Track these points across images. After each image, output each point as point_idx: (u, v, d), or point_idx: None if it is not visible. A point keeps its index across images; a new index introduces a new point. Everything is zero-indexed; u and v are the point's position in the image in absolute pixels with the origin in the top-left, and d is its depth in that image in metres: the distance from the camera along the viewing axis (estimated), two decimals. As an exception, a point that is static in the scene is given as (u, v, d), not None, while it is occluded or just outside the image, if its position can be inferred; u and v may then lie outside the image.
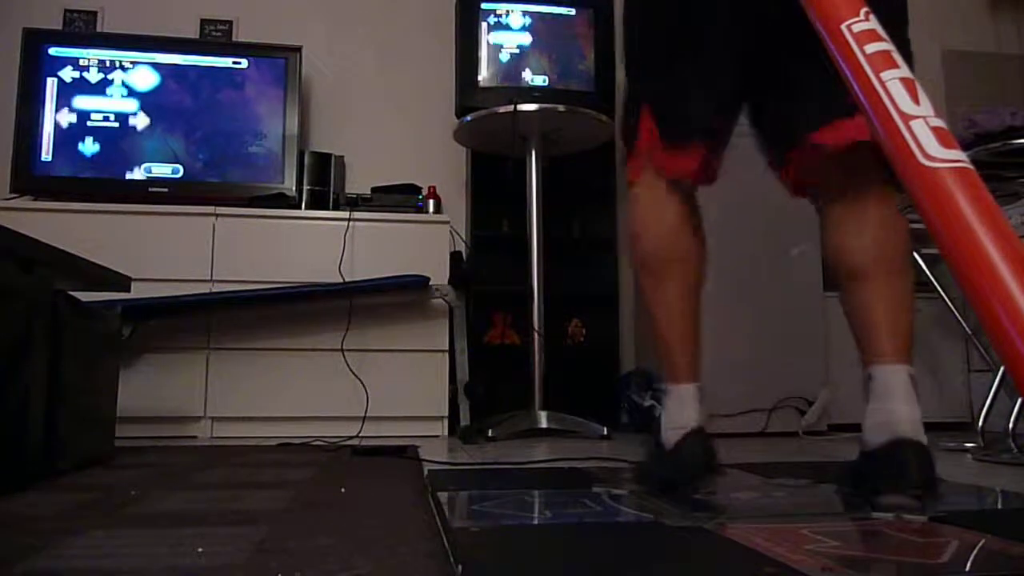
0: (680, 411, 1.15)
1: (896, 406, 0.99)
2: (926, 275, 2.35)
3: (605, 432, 2.38)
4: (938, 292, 2.35)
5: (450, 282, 2.56)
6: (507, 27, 2.75)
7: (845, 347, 3.07)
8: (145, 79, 2.77)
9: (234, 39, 3.10)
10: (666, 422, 1.16)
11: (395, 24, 3.27)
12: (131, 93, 2.75)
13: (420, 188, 2.89)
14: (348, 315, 2.47)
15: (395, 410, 2.51)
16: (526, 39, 2.75)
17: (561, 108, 2.54)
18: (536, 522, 1.00)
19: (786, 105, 1.14)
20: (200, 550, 0.81)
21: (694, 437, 1.12)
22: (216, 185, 2.74)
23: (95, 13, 3.06)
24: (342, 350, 2.45)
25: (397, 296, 2.55)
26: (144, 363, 2.42)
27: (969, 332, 2.44)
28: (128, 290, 1.86)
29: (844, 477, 1.16)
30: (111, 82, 2.74)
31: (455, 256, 2.76)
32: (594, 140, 2.79)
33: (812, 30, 0.82)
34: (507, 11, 2.76)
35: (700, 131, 1.15)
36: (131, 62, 2.77)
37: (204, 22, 3.12)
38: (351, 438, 2.29)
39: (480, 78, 2.72)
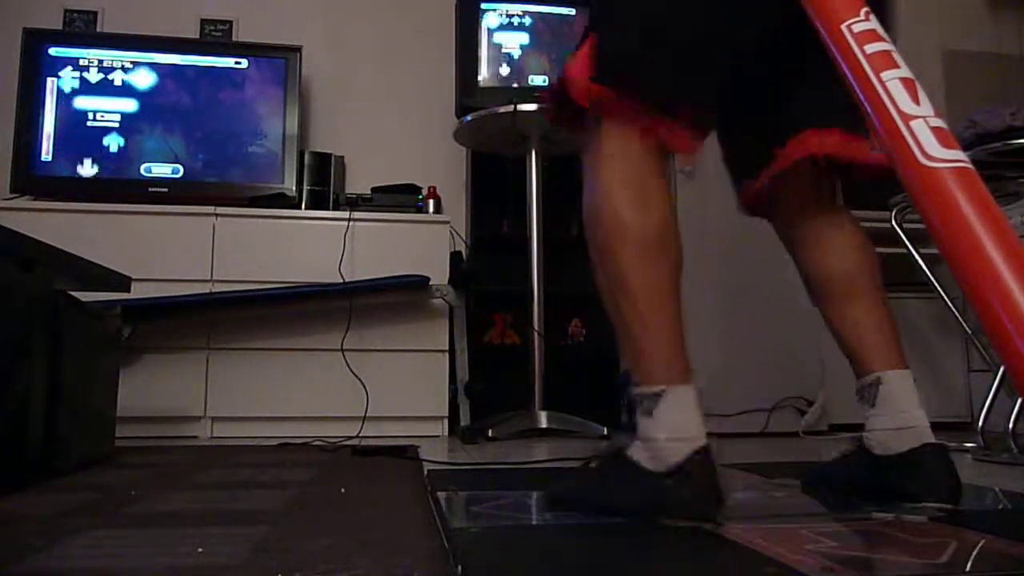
0: (682, 419, 0.94)
1: (918, 412, 1.04)
2: (926, 275, 2.35)
3: (605, 432, 2.38)
4: (938, 292, 2.34)
5: (450, 282, 2.56)
6: (507, 27, 2.75)
7: (845, 347, 3.02)
8: (145, 79, 2.77)
9: (234, 39, 3.10)
10: (658, 432, 0.94)
11: (395, 24, 3.27)
12: (131, 93, 2.75)
13: (420, 188, 2.89)
14: (348, 315, 2.47)
15: (395, 410, 2.51)
16: (526, 39, 2.75)
17: (561, 108, 2.53)
18: (536, 523, 1.00)
19: (790, 105, 1.14)
20: (200, 550, 0.81)
21: (705, 456, 0.93)
22: (216, 185, 2.74)
23: (95, 13, 3.07)
24: (342, 350, 2.45)
25: (397, 296, 2.55)
26: (144, 363, 2.42)
27: (969, 332, 2.44)
28: (128, 290, 1.86)
29: (826, 478, 1.20)
30: (111, 82, 2.74)
31: (455, 256, 2.76)
32: (594, 140, 2.78)
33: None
34: (507, 11, 2.76)
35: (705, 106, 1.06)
36: (131, 62, 2.77)
37: (204, 22, 3.12)
38: (351, 438, 2.29)
39: (480, 78, 2.72)
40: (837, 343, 1.17)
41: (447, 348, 2.59)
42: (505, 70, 2.73)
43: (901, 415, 1.04)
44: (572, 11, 2.80)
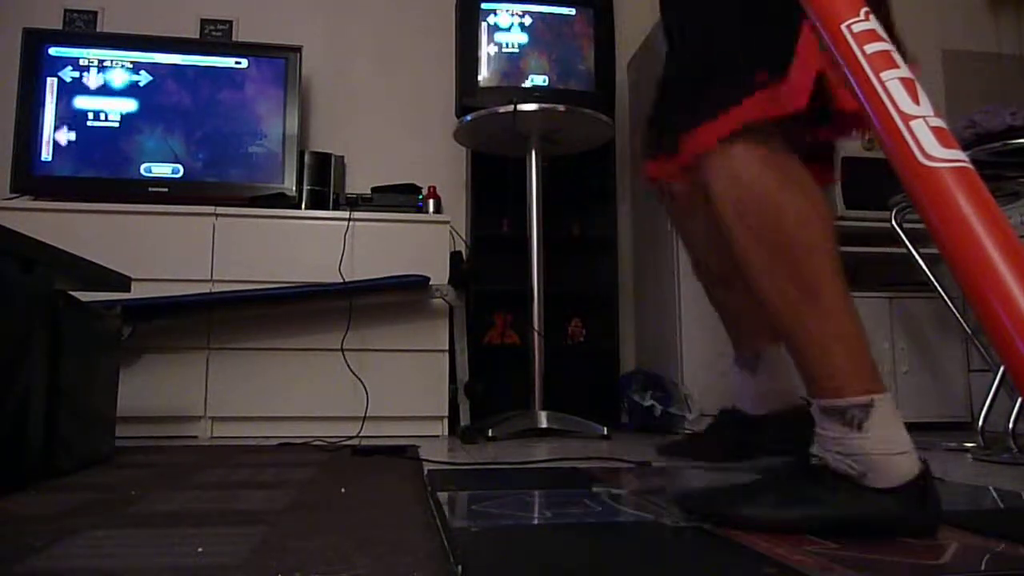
0: (897, 430, 0.90)
1: (793, 380, 1.14)
2: (926, 275, 2.35)
3: (605, 432, 2.38)
4: (938, 292, 2.35)
5: (450, 282, 2.56)
6: (507, 27, 2.75)
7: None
8: (145, 79, 2.77)
9: (234, 39, 3.10)
10: (875, 445, 0.89)
11: (395, 24, 3.28)
12: (131, 93, 2.75)
13: (420, 188, 2.89)
14: (348, 315, 2.47)
15: (395, 410, 2.51)
16: (526, 39, 2.75)
17: (561, 108, 2.54)
18: (536, 522, 1.00)
19: None
20: (200, 550, 0.81)
21: (929, 469, 0.90)
22: (216, 185, 2.74)
23: (95, 13, 3.07)
24: (342, 350, 2.45)
25: (397, 296, 2.55)
26: (144, 363, 2.42)
27: (969, 332, 2.44)
28: (128, 290, 1.87)
29: (684, 448, 1.38)
30: (111, 82, 2.75)
31: (455, 256, 2.76)
32: (594, 140, 2.79)
33: None
34: (507, 11, 2.76)
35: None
36: (131, 62, 2.77)
37: (204, 22, 3.12)
38: (351, 438, 2.29)
39: (480, 78, 2.72)
40: (721, 319, 1.33)
41: (447, 348, 2.59)
42: (505, 70, 2.73)
43: (776, 381, 1.20)
44: (572, 11, 2.80)
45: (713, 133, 1.00)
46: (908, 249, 2.35)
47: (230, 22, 3.14)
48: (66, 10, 3.05)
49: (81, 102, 2.72)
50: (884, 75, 0.70)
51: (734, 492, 0.97)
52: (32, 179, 2.65)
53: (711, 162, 1.01)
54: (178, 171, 2.74)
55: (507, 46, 2.74)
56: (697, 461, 1.42)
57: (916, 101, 0.69)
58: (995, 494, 1.29)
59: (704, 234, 1.29)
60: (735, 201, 0.99)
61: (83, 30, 3.03)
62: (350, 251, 2.57)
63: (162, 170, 2.73)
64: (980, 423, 2.07)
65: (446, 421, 2.57)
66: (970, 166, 0.65)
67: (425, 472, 1.48)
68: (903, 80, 0.70)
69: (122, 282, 1.83)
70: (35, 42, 2.71)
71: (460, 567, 0.73)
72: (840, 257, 0.97)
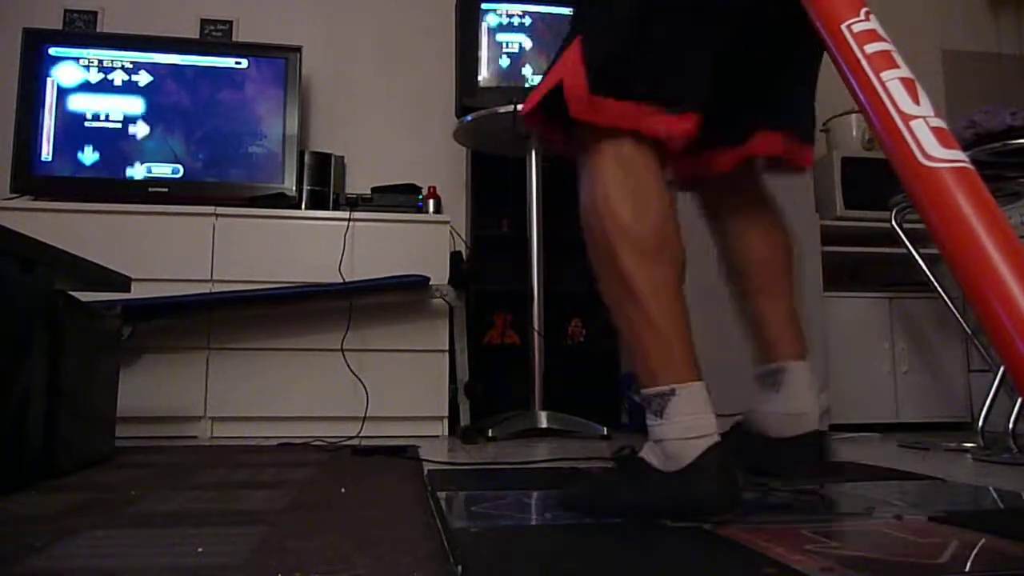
0: (694, 417, 0.93)
1: (813, 401, 1.13)
2: (926, 275, 2.35)
3: (605, 432, 2.38)
4: (938, 292, 2.35)
5: (450, 282, 2.56)
6: (507, 27, 2.75)
7: (845, 347, 3.06)
8: (145, 79, 2.77)
9: (234, 39, 3.10)
10: (670, 432, 0.93)
11: (395, 24, 3.28)
12: (131, 93, 2.75)
13: (420, 188, 2.89)
14: (348, 315, 2.47)
15: (395, 410, 2.51)
16: (526, 39, 2.75)
17: (561, 108, 2.53)
18: (536, 522, 1.00)
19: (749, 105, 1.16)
20: (200, 550, 0.81)
21: (720, 452, 0.93)
22: (216, 185, 2.74)
23: (95, 13, 3.07)
24: (342, 350, 2.45)
25: (397, 296, 2.55)
26: (144, 363, 2.42)
27: (969, 332, 2.44)
28: (128, 290, 1.87)
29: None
30: (111, 82, 2.74)
31: (455, 256, 2.76)
32: (594, 140, 2.79)
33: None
34: (507, 11, 2.76)
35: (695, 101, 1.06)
36: (131, 62, 2.77)
37: (204, 22, 3.12)
38: (351, 438, 2.29)
39: (480, 78, 2.72)
40: (745, 327, 1.24)
41: (447, 348, 2.59)
42: (505, 70, 2.73)
43: (800, 403, 1.12)
44: (572, 11, 2.80)
45: (606, 114, 1.01)
46: (908, 249, 2.35)
47: (230, 22, 3.14)
48: (66, 10, 3.05)
49: (81, 102, 2.72)
50: (884, 75, 0.71)
51: (588, 486, 1.10)
52: (32, 179, 2.65)
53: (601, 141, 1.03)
54: (178, 171, 2.74)
55: (507, 46, 2.74)
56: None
57: (916, 101, 0.69)
58: (995, 494, 1.29)
59: (735, 234, 1.24)
60: (599, 187, 1.02)
61: (83, 30, 3.03)
62: (350, 251, 2.57)
63: (162, 170, 2.73)
64: (980, 423, 2.07)
65: (446, 421, 2.57)
66: (970, 166, 0.65)
67: (425, 472, 1.48)
68: (903, 80, 0.70)
69: (122, 282, 1.83)
70: (35, 42, 2.71)
71: (460, 567, 0.73)
72: (669, 250, 0.99)
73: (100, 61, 2.75)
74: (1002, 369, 2.04)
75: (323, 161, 2.83)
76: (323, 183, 2.80)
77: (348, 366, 2.45)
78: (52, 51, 2.72)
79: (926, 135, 0.67)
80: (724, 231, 1.25)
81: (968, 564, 0.76)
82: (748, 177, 1.22)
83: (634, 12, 1.02)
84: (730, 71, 1.09)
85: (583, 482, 1.13)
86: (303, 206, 2.75)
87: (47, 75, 2.70)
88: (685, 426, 0.93)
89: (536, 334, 2.56)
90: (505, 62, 2.74)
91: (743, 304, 1.24)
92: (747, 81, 1.15)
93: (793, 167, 1.19)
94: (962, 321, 2.37)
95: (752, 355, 1.22)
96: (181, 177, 2.73)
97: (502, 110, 2.52)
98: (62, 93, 2.71)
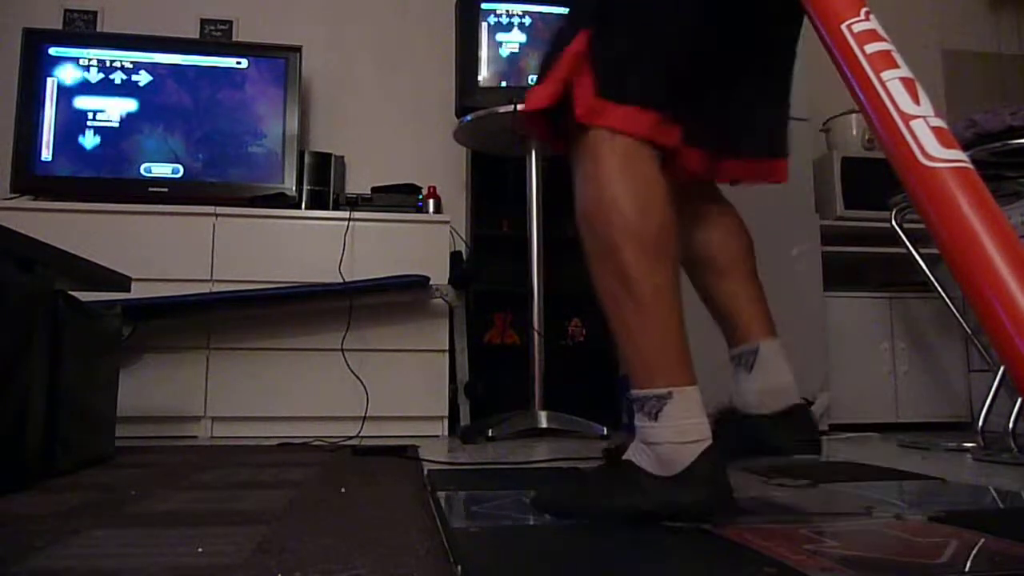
0: (689, 421, 0.93)
1: (789, 376, 1.14)
2: (926, 275, 2.35)
3: (605, 432, 2.38)
4: (938, 292, 2.34)
5: (450, 282, 2.56)
6: (507, 27, 2.75)
7: (845, 347, 3.05)
8: (145, 79, 2.77)
9: (234, 39, 3.10)
10: (664, 435, 0.92)
11: (395, 24, 3.28)
12: (131, 93, 2.75)
13: (420, 188, 2.89)
14: (348, 315, 2.47)
15: (395, 410, 2.51)
16: (526, 39, 2.75)
17: (561, 108, 2.53)
18: (536, 522, 1.00)
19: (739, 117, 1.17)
20: (200, 550, 0.81)
21: (714, 457, 0.92)
22: (216, 185, 2.74)
23: (95, 13, 3.07)
24: (342, 350, 2.45)
25: (397, 296, 2.55)
26: (144, 363, 2.42)
27: (969, 332, 2.44)
28: (128, 290, 1.86)
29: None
30: (111, 82, 2.74)
31: (455, 256, 2.76)
32: (594, 140, 2.79)
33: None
34: (507, 11, 2.76)
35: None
36: (131, 62, 2.77)
37: (204, 22, 3.12)
38: (351, 438, 2.29)
39: (480, 78, 2.72)
40: (712, 312, 1.24)
41: (447, 348, 2.59)
42: (505, 70, 2.73)
43: (778, 378, 1.13)
44: (571, 4, 2.80)
45: (611, 117, 1.01)
46: (908, 249, 2.35)
47: (230, 22, 3.14)
48: (66, 10, 3.05)
49: (81, 102, 2.72)
50: (884, 75, 0.70)
51: (572, 487, 1.07)
52: (32, 179, 2.65)
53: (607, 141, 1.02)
54: (178, 171, 2.74)
55: (507, 46, 2.74)
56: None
57: (916, 101, 0.69)
58: (995, 494, 1.29)
59: (697, 221, 1.24)
60: (581, 186, 1.03)
61: (83, 30, 3.03)
62: (350, 251, 2.57)
63: (162, 170, 2.73)
64: (980, 423, 2.07)
65: (446, 421, 2.57)
66: (970, 166, 0.65)
67: (425, 472, 1.48)
68: (903, 80, 0.70)
69: (122, 282, 1.83)
70: (35, 42, 2.71)
71: (459, 567, 0.73)
72: (670, 251, 0.99)
73: (100, 61, 2.75)
74: (1002, 369, 2.04)
75: (323, 161, 2.83)
76: (323, 183, 2.80)
77: (348, 366, 2.45)
78: (52, 51, 2.72)
79: (926, 135, 0.67)
80: (686, 220, 1.23)
81: (968, 564, 0.76)
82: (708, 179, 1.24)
83: (658, 15, 1.02)
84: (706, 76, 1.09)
85: (561, 481, 1.12)
86: (303, 206, 2.75)
87: (47, 75, 2.70)
88: (680, 430, 0.92)
89: (536, 334, 2.56)
90: (505, 62, 2.74)
91: (710, 291, 1.25)
92: (715, 89, 1.14)
93: (765, 182, 1.21)
94: (962, 321, 2.37)
95: (725, 339, 1.23)
96: (181, 177, 2.73)
97: (502, 110, 2.52)
98: (62, 93, 2.71)
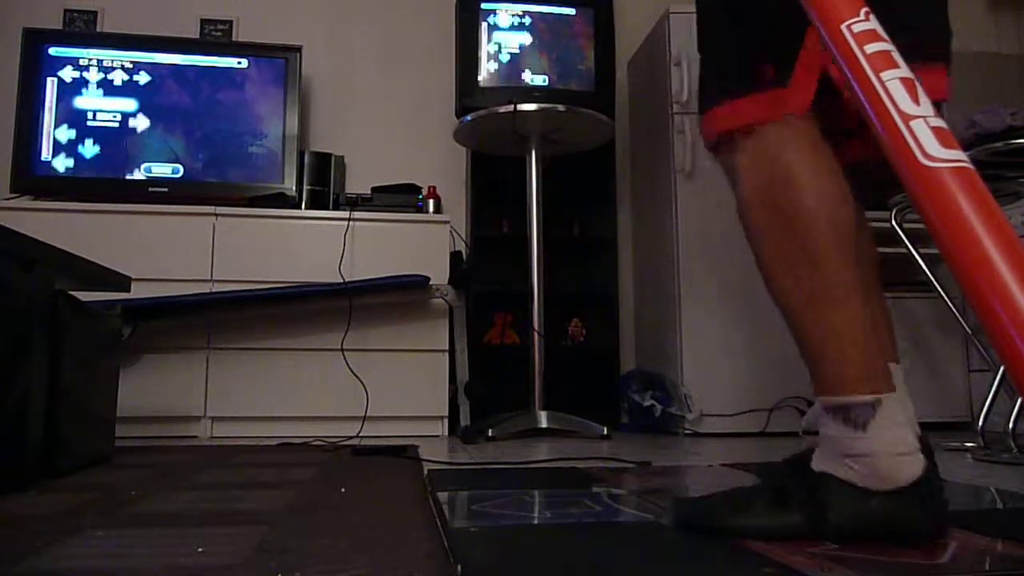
0: (901, 431, 0.84)
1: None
2: (926, 275, 2.35)
3: (605, 432, 2.38)
4: (938, 292, 2.34)
5: (450, 282, 2.56)
6: (507, 27, 2.75)
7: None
8: (145, 79, 2.77)
9: (234, 39, 3.10)
10: (876, 446, 0.83)
11: (395, 24, 3.28)
12: (131, 93, 2.75)
13: (420, 188, 2.89)
14: (348, 315, 2.47)
15: (395, 410, 2.51)
16: (526, 39, 2.75)
17: (561, 108, 2.54)
18: (536, 522, 1.00)
19: None
20: (200, 550, 0.81)
21: (936, 469, 0.84)
22: (216, 185, 2.74)
23: (95, 13, 3.07)
24: (342, 350, 2.45)
25: (397, 296, 2.55)
26: (144, 363, 2.42)
27: (969, 332, 2.44)
28: (128, 290, 1.86)
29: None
30: (111, 82, 2.75)
31: (455, 256, 2.76)
32: (594, 140, 2.79)
33: None
34: (507, 11, 2.76)
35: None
36: (131, 62, 2.77)
37: (204, 22, 3.12)
38: (351, 438, 2.29)
39: (480, 78, 2.72)
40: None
41: (447, 348, 2.59)
42: (505, 70, 2.73)
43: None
44: (572, 11, 2.80)
45: (716, 124, 0.98)
46: (908, 249, 2.35)
47: (230, 22, 3.14)
48: (66, 10, 3.05)
49: (81, 102, 2.72)
50: (884, 75, 0.70)
51: (728, 500, 0.93)
52: (32, 179, 2.65)
53: (740, 139, 0.96)
54: (178, 171, 2.74)
55: (507, 46, 2.74)
56: None
57: (916, 101, 0.69)
58: (995, 494, 1.29)
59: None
60: (756, 177, 0.94)
61: (83, 30, 3.03)
62: (350, 251, 2.57)
63: (162, 170, 2.73)
64: (980, 423, 2.07)
65: (446, 421, 2.57)
66: (970, 166, 0.65)
67: (425, 472, 1.48)
68: (903, 80, 0.70)
69: (122, 282, 1.83)
70: (35, 42, 2.71)
71: (460, 567, 0.73)
72: (854, 248, 0.89)
73: (100, 61, 2.75)
74: (1002, 369, 2.04)
75: (323, 161, 2.83)
76: (323, 183, 2.80)
77: (348, 366, 2.45)
78: (52, 51, 2.72)
79: (926, 135, 0.66)
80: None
81: (968, 564, 0.76)
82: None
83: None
84: None
85: (731, 501, 0.93)
86: (303, 206, 2.75)
87: (47, 75, 2.70)
88: (895, 440, 0.84)
89: (536, 334, 2.56)
90: (505, 62, 2.74)
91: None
92: None
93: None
94: (962, 321, 2.37)
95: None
96: (181, 177, 2.73)
97: (502, 110, 2.52)
98: (62, 93, 2.71)
